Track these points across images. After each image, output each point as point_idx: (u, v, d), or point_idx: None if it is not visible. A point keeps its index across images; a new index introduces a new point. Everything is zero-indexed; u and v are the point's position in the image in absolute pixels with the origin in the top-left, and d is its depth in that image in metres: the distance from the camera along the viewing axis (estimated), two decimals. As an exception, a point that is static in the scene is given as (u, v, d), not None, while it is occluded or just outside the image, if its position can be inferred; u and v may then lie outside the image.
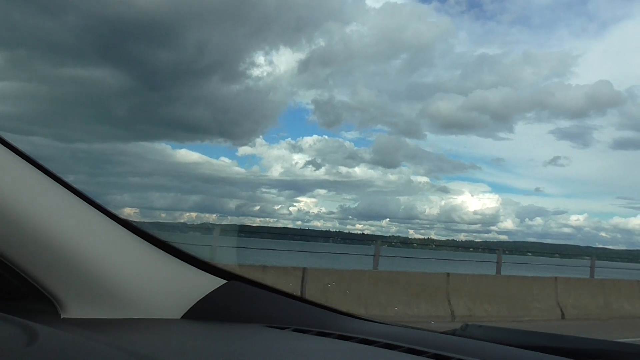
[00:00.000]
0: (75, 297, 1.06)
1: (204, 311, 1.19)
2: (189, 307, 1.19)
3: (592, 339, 1.15)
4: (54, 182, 1.04)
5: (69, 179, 1.07)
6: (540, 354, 1.05)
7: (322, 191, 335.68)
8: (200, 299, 1.20)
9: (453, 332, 1.25)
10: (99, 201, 1.11)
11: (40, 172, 1.03)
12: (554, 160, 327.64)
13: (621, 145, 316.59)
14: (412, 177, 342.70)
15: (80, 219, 1.07)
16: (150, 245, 1.16)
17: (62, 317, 1.05)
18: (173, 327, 1.13)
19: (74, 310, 1.05)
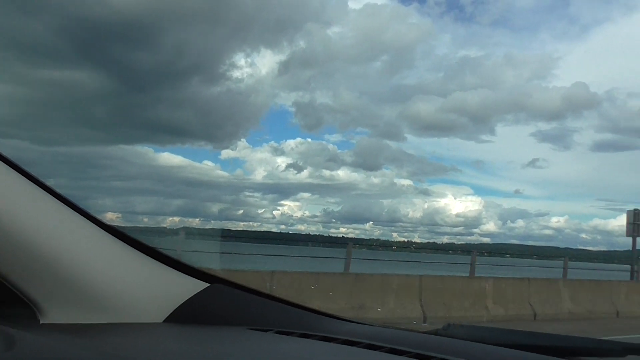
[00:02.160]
0: (54, 301, 1.04)
1: (186, 314, 1.18)
2: (171, 311, 1.18)
3: (573, 337, 1.17)
4: (33, 184, 1.02)
5: (49, 183, 1.05)
6: (522, 352, 1.06)
7: (306, 194, 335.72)
8: (183, 303, 1.19)
9: (435, 332, 1.26)
10: (79, 204, 1.09)
11: (19, 174, 1.01)
12: (532, 163, 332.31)
13: (600, 147, 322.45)
14: (396, 180, 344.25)
15: (60, 222, 1.05)
16: (132, 248, 1.15)
17: (41, 322, 1.03)
18: (155, 331, 1.12)
19: (53, 315, 1.04)
